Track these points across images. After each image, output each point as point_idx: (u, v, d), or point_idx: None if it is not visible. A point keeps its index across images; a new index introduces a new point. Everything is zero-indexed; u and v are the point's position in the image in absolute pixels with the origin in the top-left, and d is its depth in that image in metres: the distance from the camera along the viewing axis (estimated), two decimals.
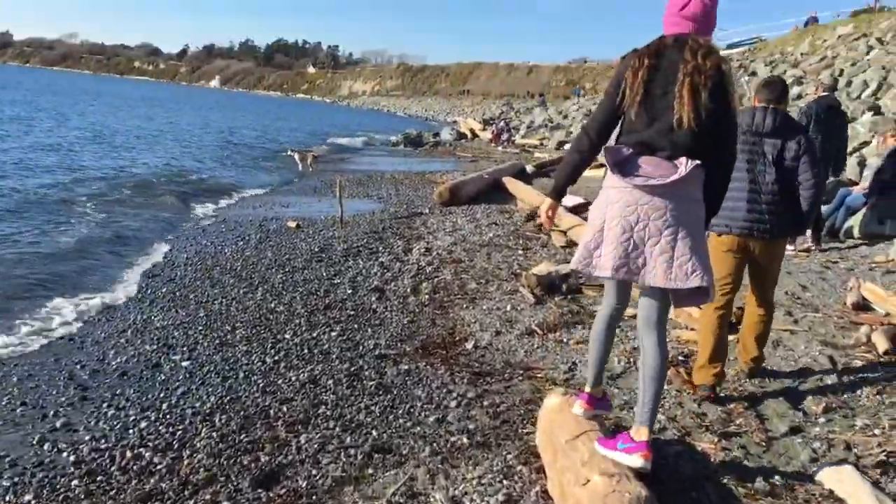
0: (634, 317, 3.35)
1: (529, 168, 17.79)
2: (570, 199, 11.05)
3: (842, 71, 19.97)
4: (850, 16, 34.94)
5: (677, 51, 2.87)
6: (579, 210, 10.42)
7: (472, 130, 38.00)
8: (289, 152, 21.22)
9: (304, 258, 7.78)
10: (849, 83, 18.16)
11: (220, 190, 14.22)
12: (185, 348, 5.03)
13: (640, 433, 2.90)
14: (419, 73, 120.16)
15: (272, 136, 31.75)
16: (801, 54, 27.61)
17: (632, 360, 4.52)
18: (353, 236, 8.99)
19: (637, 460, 2.81)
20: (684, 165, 2.81)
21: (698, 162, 2.84)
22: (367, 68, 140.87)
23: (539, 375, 4.43)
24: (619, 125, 3.03)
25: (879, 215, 7.97)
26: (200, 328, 5.45)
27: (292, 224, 9.83)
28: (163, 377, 4.55)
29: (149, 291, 6.61)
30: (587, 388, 3.27)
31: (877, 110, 14.67)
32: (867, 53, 21.64)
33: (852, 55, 22.32)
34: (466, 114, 65.92)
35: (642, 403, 2.96)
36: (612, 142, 3.06)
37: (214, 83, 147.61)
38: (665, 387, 3.63)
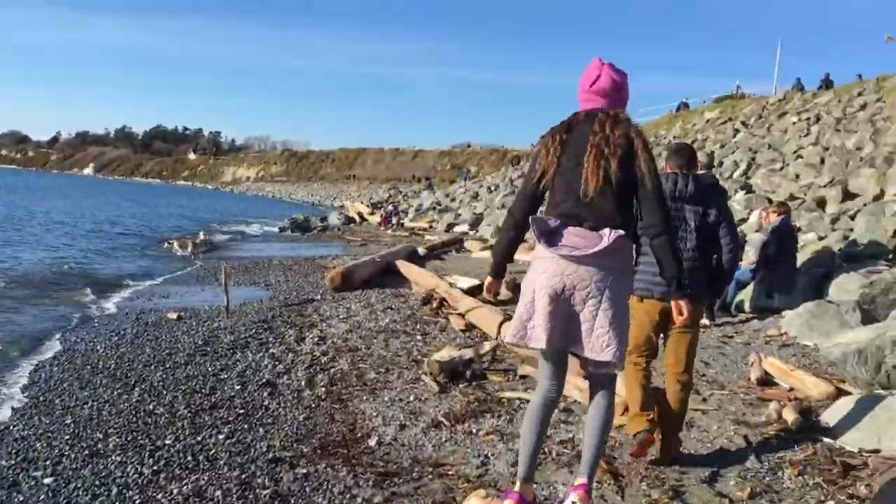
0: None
1: (421, 250, 17.68)
2: (465, 282, 10.90)
3: (712, 152, 21.14)
4: (714, 101, 37.55)
5: (588, 124, 2.98)
6: (475, 292, 10.25)
7: (360, 214, 37.90)
8: (167, 243, 20.38)
9: (187, 352, 7.18)
10: (720, 164, 19.19)
11: (94, 281, 13.29)
12: (48, 462, 4.39)
13: (579, 481, 3.03)
14: (304, 159, 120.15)
15: (152, 224, 30.59)
16: (674, 137, 29.18)
17: (547, 450, 4.26)
18: (240, 326, 8.45)
19: (574, 496, 2.94)
20: (608, 236, 2.87)
21: (622, 232, 2.89)
22: (250, 154, 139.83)
23: (450, 472, 4.09)
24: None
25: (768, 289, 8.19)
26: (67, 437, 4.81)
27: (173, 315, 9.19)
28: (21, 498, 3.92)
29: (5, 397, 5.88)
30: (517, 486, 3.04)
31: (749, 189, 15.46)
32: (734, 136, 23.09)
33: (721, 137, 23.77)
34: (353, 198, 65.92)
35: (586, 458, 3.05)
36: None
37: (88, 171, 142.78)
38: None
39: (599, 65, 3.06)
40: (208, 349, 7.33)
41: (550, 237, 2.96)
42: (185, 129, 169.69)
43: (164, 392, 5.85)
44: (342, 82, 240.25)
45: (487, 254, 18.42)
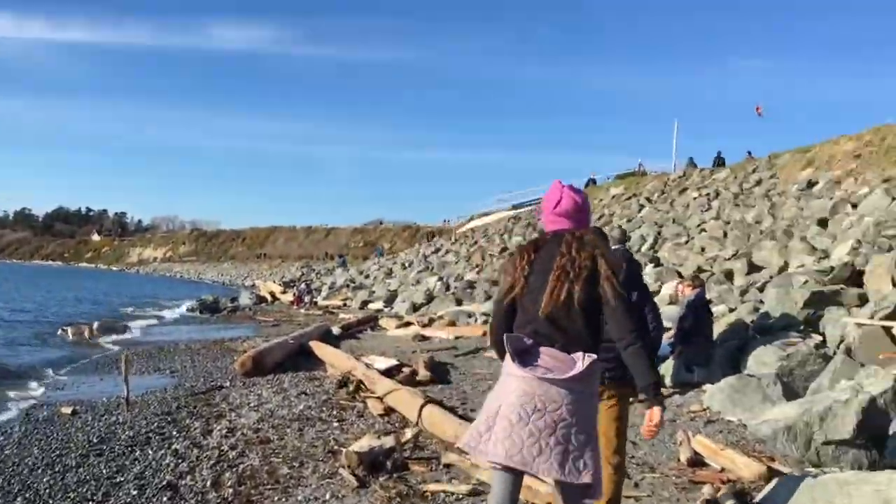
0: None
1: (336, 330, 17.24)
2: (382, 362, 10.57)
3: (624, 229, 21.65)
4: (616, 178, 38.90)
5: (556, 244, 3.10)
6: (393, 373, 9.92)
7: (272, 293, 37.00)
8: (62, 329, 19.25)
9: (80, 453, 6.57)
10: (628, 238, 19.62)
11: None
12: None
13: None
14: (213, 238, 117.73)
15: (50, 310, 28.96)
16: None
17: None
18: (141, 420, 7.85)
19: None
20: (581, 361, 2.93)
21: (595, 357, 2.97)
22: (157, 234, 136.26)
23: None
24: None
25: (686, 363, 8.18)
26: None
27: (67, 410, 8.49)
28: None
29: None
30: None
31: (657, 262, 15.79)
32: (639, 211, 23.80)
33: (627, 213, 24.46)
34: (265, 277, 64.59)
35: None
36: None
37: None
38: None
39: (560, 188, 3.20)
40: (104, 447, 6.73)
41: (524, 356, 2.99)
42: (89, 210, 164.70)
43: (51, 501, 5.27)
44: (253, 160, 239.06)
45: (403, 331, 18.15)
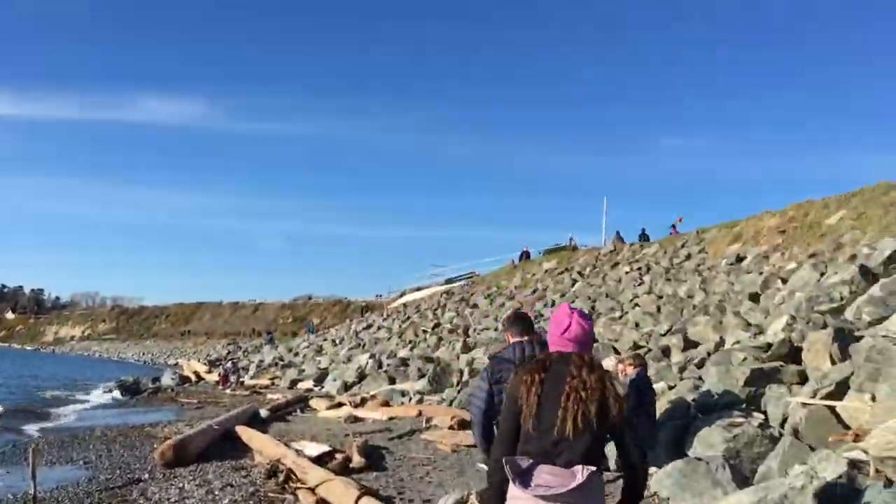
0: None
1: (264, 412, 16.48)
2: (314, 448, 10.05)
3: (553, 301, 21.68)
4: (546, 252, 39.35)
5: (564, 364, 3.18)
6: (325, 459, 9.41)
7: (196, 373, 35.62)
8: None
9: None
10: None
11: None
12: None
13: None
14: (136, 315, 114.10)
15: None
16: (515, 287, 29.98)
17: None
18: None
19: None
20: (581, 472, 2.98)
21: (594, 469, 3.02)
22: (76, 311, 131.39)
23: None
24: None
25: None
26: None
27: None
28: None
29: None
30: None
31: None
32: (572, 285, 23.92)
33: (560, 287, 24.57)
34: (189, 356, 62.56)
35: None
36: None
37: None
38: None
39: (569, 313, 3.32)
40: None
41: (523, 477, 3.06)
42: (4, 286, 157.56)
43: None
44: (178, 235, 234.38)
45: (334, 412, 17.47)
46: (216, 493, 8.17)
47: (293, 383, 27.80)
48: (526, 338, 4.71)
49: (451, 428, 11.51)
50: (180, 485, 8.69)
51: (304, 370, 29.89)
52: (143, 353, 79.71)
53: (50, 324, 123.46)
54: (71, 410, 22.25)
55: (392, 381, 21.49)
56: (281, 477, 8.55)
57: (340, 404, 18.20)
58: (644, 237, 34.04)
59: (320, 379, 26.96)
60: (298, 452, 9.52)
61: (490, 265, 44.40)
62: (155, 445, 12.07)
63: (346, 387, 23.09)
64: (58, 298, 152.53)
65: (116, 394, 27.48)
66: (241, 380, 31.39)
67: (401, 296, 48.44)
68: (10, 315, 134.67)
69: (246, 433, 12.01)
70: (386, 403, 16.67)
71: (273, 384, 29.15)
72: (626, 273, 23.96)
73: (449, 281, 44.91)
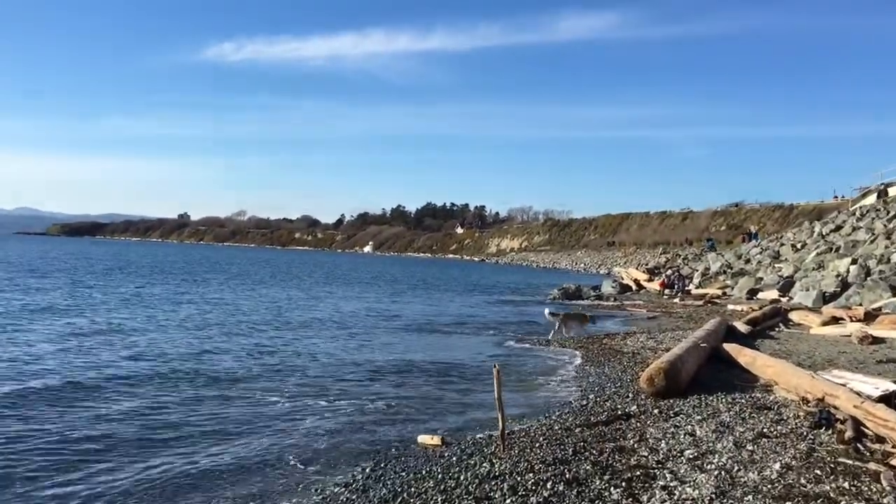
0: None
1: (741, 326, 13.53)
2: (867, 383, 6.82)
3: None
4: None
5: None
6: (893, 401, 6.17)
7: (636, 281, 33.88)
8: (547, 315, 16.91)
9: None
10: None
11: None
12: None
13: None
14: (566, 228, 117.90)
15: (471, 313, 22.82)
16: None
17: None
18: (522, 470, 5.19)
19: None
20: None
21: None
22: (513, 225, 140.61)
23: None
24: None
25: None
26: None
27: (433, 440, 6.23)
28: None
29: None
30: None
31: None
32: None
33: None
34: (621, 264, 61.71)
35: None
36: None
37: (367, 248, 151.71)
38: None
39: None
40: None
41: None
42: (453, 205, 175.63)
43: None
44: (603, 147, 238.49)
45: (833, 329, 13.82)
46: (747, 446, 5.51)
47: (751, 293, 24.31)
48: None
49: None
50: (688, 427, 6.19)
51: (761, 278, 26.03)
52: (575, 263, 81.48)
53: (492, 237, 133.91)
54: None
55: (895, 290, 16.89)
56: (847, 431, 5.55)
57: (837, 318, 14.40)
58: None
59: (784, 288, 23.03)
60: (857, 393, 6.38)
61: None
62: (623, 363, 9.97)
63: (825, 298, 19.00)
64: (497, 214, 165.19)
65: (559, 300, 26.78)
66: (687, 288, 28.67)
67: (862, 197, 40.46)
68: (459, 230, 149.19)
69: (742, 354, 9.23)
70: None
71: (724, 294, 25.95)
72: None
73: None
